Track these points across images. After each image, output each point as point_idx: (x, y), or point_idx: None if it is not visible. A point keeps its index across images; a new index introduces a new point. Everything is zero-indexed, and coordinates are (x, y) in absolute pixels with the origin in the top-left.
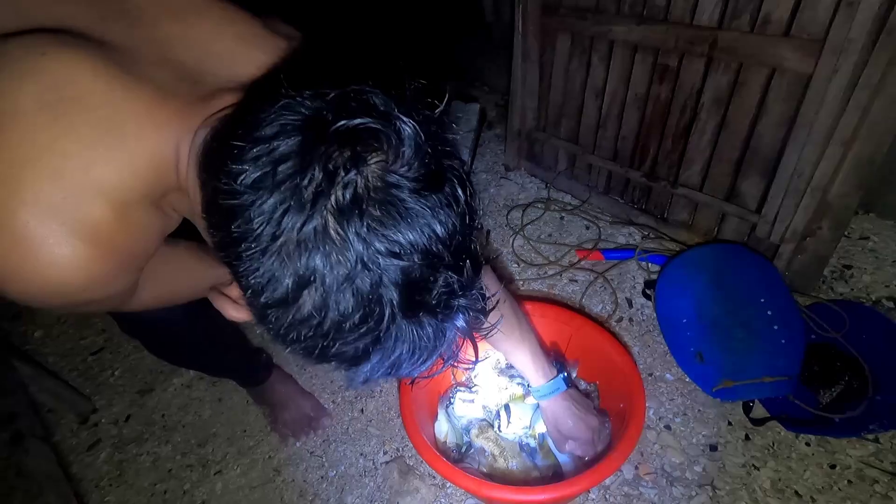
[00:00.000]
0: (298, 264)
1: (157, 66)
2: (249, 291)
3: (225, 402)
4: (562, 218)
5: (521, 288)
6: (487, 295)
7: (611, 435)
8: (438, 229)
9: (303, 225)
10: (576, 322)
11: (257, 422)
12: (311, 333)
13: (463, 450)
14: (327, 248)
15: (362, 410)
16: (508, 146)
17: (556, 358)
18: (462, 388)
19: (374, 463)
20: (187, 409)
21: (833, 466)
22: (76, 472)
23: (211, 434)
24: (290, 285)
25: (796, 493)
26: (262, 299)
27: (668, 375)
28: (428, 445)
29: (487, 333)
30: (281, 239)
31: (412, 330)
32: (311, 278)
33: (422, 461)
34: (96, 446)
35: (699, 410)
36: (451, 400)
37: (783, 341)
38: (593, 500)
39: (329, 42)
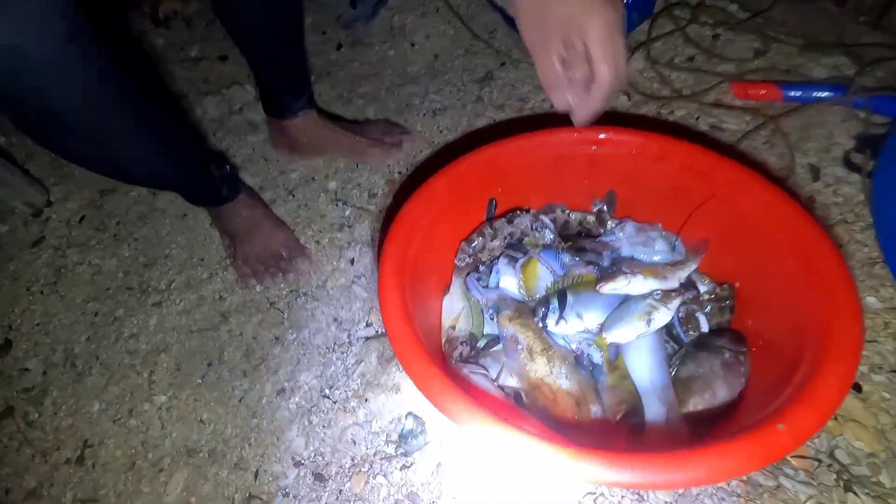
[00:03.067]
0: None
1: None
2: None
3: (189, 220)
4: (716, 36)
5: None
6: None
7: (746, 378)
8: None
9: None
10: (724, 172)
11: (219, 252)
12: None
13: (480, 344)
14: None
15: (352, 261)
16: None
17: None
18: (509, 253)
19: (349, 336)
20: (145, 220)
21: None
22: (14, 268)
23: (162, 255)
24: None
25: None
26: None
27: (870, 299)
28: (405, 324)
29: None
30: None
31: None
32: None
33: None
34: (40, 244)
35: None
36: (481, 267)
37: None
38: None
39: None
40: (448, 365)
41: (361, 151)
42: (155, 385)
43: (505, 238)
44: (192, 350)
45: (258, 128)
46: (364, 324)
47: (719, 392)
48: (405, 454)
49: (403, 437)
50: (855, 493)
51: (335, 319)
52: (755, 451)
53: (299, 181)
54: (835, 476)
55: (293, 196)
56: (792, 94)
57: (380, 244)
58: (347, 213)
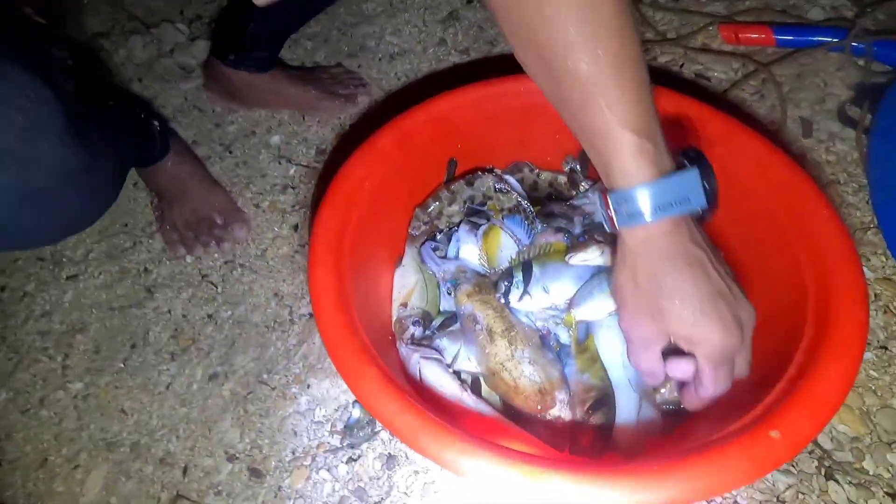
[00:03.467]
0: None
1: None
2: None
3: None
4: None
5: None
6: None
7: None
8: None
9: None
10: (712, 125)
11: (145, 216)
12: None
13: (435, 324)
14: None
15: (296, 227)
16: None
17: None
18: (471, 220)
19: (291, 313)
20: None
21: None
22: None
23: None
24: None
25: None
26: None
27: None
28: (338, 312)
29: None
30: None
31: None
32: None
33: None
34: None
35: None
36: (438, 235)
37: None
38: None
39: None
40: (398, 349)
41: (311, 105)
42: (70, 370)
43: (464, 202)
44: (113, 330)
45: (192, 73)
46: (308, 299)
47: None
48: (352, 446)
49: (350, 428)
50: (836, 482)
51: (276, 294)
52: (744, 465)
53: (237, 135)
54: (816, 463)
55: (230, 152)
56: (786, 38)
57: None
58: (292, 171)
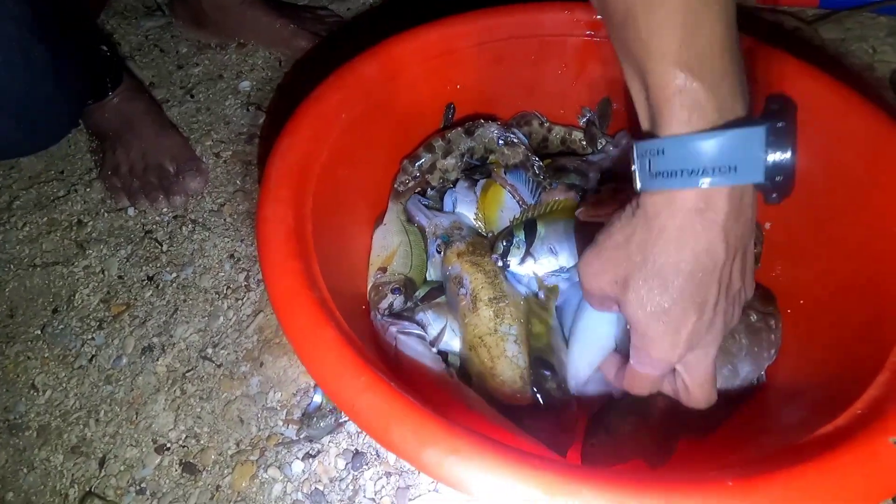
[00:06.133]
0: None
1: None
2: None
3: None
4: None
5: None
6: None
7: (777, 350)
8: None
9: None
10: (761, 62)
11: (84, 163)
12: None
13: (419, 294)
14: None
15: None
16: None
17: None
18: (471, 176)
19: (248, 278)
20: None
21: None
22: None
23: (7, 163)
24: None
25: None
26: None
27: None
28: (283, 226)
29: None
30: None
31: None
32: None
33: None
34: None
35: None
36: (429, 192)
37: None
38: None
39: None
40: (372, 321)
41: (285, 42)
42: None
43: (462, 155)
44: (34, 290)
45: (156, 11)
46: None
47: (742, 368)
48: (310, 439)
49: (309, 416)
50: None
51: (231, 256)
52: (859, 484)
53: (202, 78)
54: None
55: (192, 97)
56: None
57: None
58: (261, 120)
